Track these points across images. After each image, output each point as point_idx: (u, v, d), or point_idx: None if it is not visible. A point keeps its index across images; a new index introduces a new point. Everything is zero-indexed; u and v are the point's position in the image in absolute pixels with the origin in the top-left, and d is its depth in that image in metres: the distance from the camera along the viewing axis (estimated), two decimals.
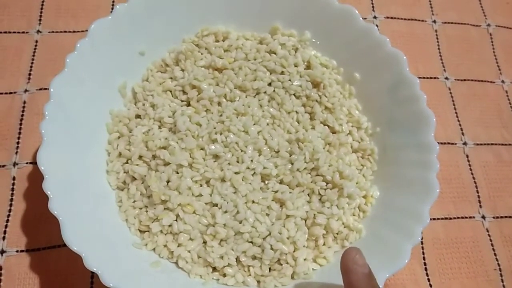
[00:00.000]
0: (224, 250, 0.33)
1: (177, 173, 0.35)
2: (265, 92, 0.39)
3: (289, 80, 0.40)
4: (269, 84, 0.40)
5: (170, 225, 0.34)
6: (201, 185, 0.35)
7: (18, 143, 0.41)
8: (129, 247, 0.33)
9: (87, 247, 0.29)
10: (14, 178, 0.40)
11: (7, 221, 0.38)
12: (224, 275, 0.34)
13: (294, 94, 0.40)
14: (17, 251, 0.37)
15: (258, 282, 0.34)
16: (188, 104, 0.38)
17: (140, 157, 0.36)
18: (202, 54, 0.41)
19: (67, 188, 0.32)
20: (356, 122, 0.40)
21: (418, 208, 0.33)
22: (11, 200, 0.39)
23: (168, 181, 0.35)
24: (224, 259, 0.33)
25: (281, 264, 0.33)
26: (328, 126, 0.39)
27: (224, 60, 0.40)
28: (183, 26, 0.41)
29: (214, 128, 0.36)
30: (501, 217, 0.44)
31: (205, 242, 0.34)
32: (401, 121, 0.37)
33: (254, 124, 0.38)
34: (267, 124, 0.38)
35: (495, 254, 0.42)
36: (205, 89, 0.38)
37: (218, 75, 0.40)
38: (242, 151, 0.36)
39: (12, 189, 0.39)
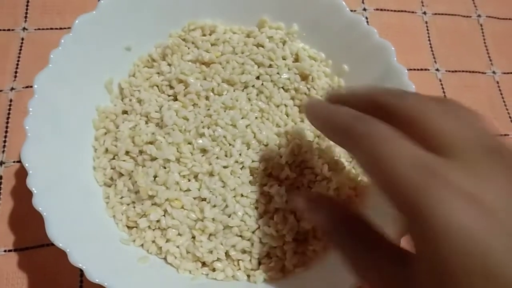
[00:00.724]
0: (213, 244, 0.33)
1: (165, 168, 0.34)
2: (253, 86, 0.39)
3: (277, 73, 0.39)
4: (257, 78, 0.39)
5: (158, 221, 0.34)
6: (189, 180, 0.35)
7: (4, 141, 0.41)
8: (117, 243, 0.33)
9: (73, 243, 0.29)
10: (1, 177, 0.39)
11: None
12: (214, 270, 0.33)
13: (282, 87, 0.39)
14: (5, 251, 0.37)
15: (248, 276, 0.33)
16: (175, 99, 0.38)
17: (127, 152, 0.35)
18: (189, 48, 0.40)
19: (52, 185, 0.31)
20: None
21: None
22: None
23: (155, 176, 0.34)
24: (213, 254, 0.33)
25: (271, 258, 0.33)
26: None
27: (211, 54, 0.39)
28: (170, 21, 0.41)
29: (202, 122, 0.36)
30: None
31: (194, 237, 0.34)
32: None
33: (242, 118, 0.37)
34: (256, 117, 0.38)
35: None
36: (192, 83, 0.37)
37: (205, 69, 0.39)
38: (230, 145, 0.36)
39: None
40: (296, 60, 0.41)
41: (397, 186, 0.20)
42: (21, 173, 0.39)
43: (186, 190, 0.34)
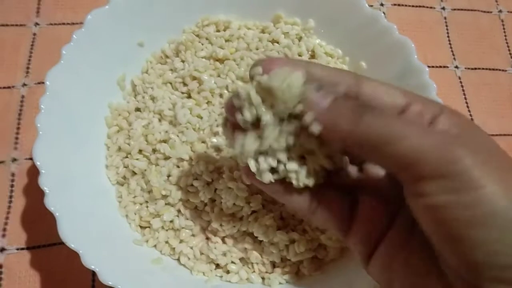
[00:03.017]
0: (227, 247, 0.32)
1: (178, 167, 0.34)
2: None
3: None
4: None
5: (171, 221, 0.33)
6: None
7: (17, 138, 0.40)
8: (130, 243, 0.33)
9: (85, 244, 0.28)
10: (13, 174, 0.39)
11: (7, 218, 0.37)
12: (228, 272, 0.33)
13: None
14: (17, 249, 0.36)
15: (263, 279, 0.33)
16: (189, 96, 0.37)
17: (140, 151, 0.35)
18: (202, 44, 0.39)
19: (64, 184, 0.31)
20: None
21: None
22: (11, 196, 0.38)
23: (168, 176, 0.34)
24: (228, 256, 0.32)
25: (286, 261, 0.32)
26: None
27: (226, 51, 0.38)
28: (183, 16, 0.40)
29: (216, 120, 0.35)
30: None
31: (207, 238, 0.33)
32: None
33: None
34: None
35: None
36: (206, 81, 0.37)
37: (219, 66, 0.38)
38: None
39: (12, 186, 0.39)
40: (313, 56, 0.40)
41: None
42: (34, 171, 0.39)
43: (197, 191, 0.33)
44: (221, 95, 0.37)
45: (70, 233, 0.28)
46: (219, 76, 0.38)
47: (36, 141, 0.30)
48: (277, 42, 0.40)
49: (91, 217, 0.31)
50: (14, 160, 0.39)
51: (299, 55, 0.39)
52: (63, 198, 0.30)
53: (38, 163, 0.30)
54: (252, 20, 0.41)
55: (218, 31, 0.40)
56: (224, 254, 0.32)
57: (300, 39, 0.40)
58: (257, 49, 0.39)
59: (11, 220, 0.37)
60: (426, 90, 0.34)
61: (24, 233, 0.37)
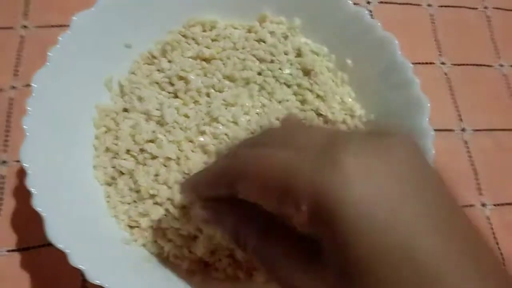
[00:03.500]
0: (215, 245, 0.33)
1: (166, 166, 0.34)
2: (255, 82, 0.38)
3: (279, 68, 0.39)
4: (259, 74, 0.39)
5: (160, 220, 0.33)
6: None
7: (6, 141, 0.40)
8: (118, 243, 0.33)
9: (73, 244, 0.28)
10: (3, 177, 0.39)
11: None
12: (216, 269, 0.33)
13: (285, 83, 0.39)
14: (7, 251, 0.37)
15: (251, 275, 0.33)
16: (176, 96, 0.38)
17: (128, 151, 0.35)
18: (189, 44, 0.40)
19: (52, 185, 0.31)
20: (349, 110, 0.39)
21: None
22: (0, 199, 0.38)
23: (156, 175, 0.34)
24: (216, 254, 0.33)
25: None
26: (321, 114, 0.38)
27: (212, 50, 0.39)
28: (170, 17, 0.40)
29: (203, 119, 0.36)
30: (502, 204, 0.43)
31: (196, 237, 0.33)
32: (394, 107, 0.36)
33: (244, 114, 0.37)
34: (257, 114, 0.37)
35: (496, 243, 0.41)
36: (193, 80, 0.37)
37: (206, 65, 0.39)
38: (231, 142, 0.35)
39: (1, 188, 0.39)
40: (299, 55, 0.40)
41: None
42: (23, 173, 0.39)
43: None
44: (207, 94, 0.38)
45: (57, 233, 0.28)
46: (205, 75, 0.38)
47: (23, 143, 0.31)
48: (263, 41, 0.40)
49: (79, 217, 0.32)
50: (4, 162, 0.40)
51: (285, 54, 0.39)
52: (51, 198, 0.30)
53: (25, 164, 0.30)
54: (238, 20, 0.41)
55: (204, 31, 0.41)
56: (213, 252, 0.33)
57: (286, 37, 0.41)
58: (243, 48, 0.40)
59: (1, 222, 0.37)
60: (410, 86, 0.35)
61: (14, 234, 0.37)
